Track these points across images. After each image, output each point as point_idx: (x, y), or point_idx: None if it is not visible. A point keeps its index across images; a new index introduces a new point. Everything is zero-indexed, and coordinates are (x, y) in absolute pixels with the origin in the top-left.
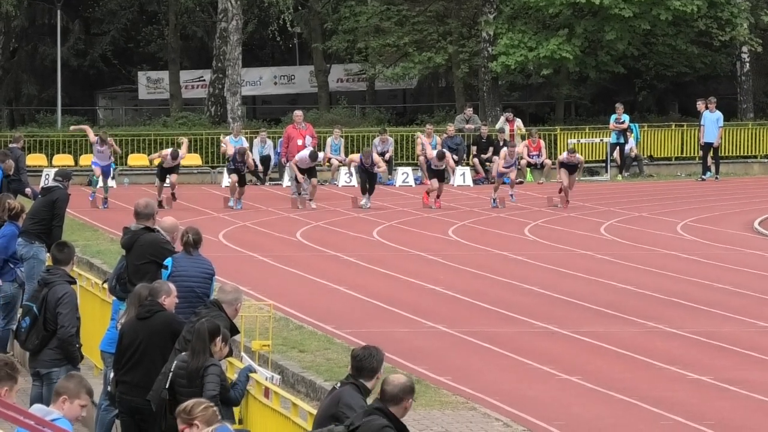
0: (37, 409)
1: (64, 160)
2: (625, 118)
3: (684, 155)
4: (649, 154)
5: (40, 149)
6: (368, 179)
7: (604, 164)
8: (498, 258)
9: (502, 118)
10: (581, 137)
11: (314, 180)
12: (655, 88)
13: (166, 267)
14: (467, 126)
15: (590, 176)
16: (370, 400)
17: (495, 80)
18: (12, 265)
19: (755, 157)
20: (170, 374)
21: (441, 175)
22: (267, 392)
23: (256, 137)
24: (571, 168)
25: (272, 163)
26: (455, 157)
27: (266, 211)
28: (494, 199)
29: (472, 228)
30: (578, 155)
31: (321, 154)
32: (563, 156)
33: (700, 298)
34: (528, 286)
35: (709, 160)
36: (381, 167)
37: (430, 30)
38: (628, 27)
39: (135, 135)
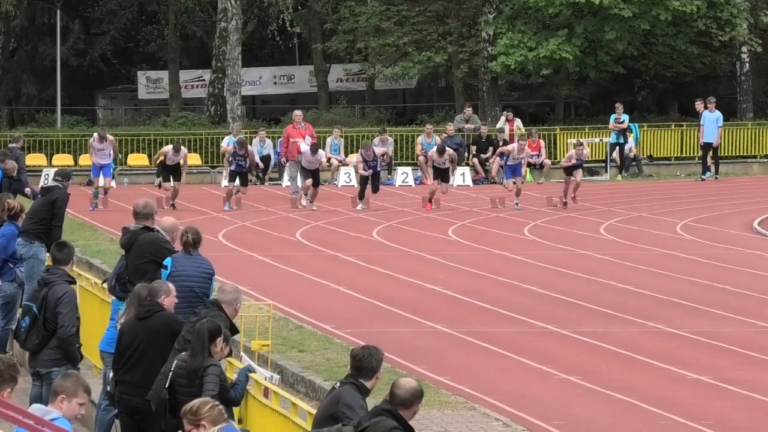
0: (36, 408)
1: (63, 159)
2: (625, 118)
3: (683, 155)
4: (648, 154)
5: (39, 149)
6: (371, 178)
7: (603, 164)
8: (497, 258)
9: (503, 118)
10: (581, 137)
11: (311, 181)
12: (654, 88)
13: (165, 267)
14: (467, 126)
15: (590, 176)
16: (369, 400)
17: (494, 80)
18: (11, 265)
19: (755, 157)
20: (170, 374)
21: (446, 174)
22: (266, 392)
23: (255, 137)
24: (579, 165)
25: (272, 162)
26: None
27: (266, 210)
28: (517, 203)
29: (472, 228)
30: (586, 150)
31: (322, 152)
32: (572, 152)
33: (700, 298)
34: (527, 286)
35: (709, 160)
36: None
37: (430, 30)
38: (628, 27)
39: (135, 135)
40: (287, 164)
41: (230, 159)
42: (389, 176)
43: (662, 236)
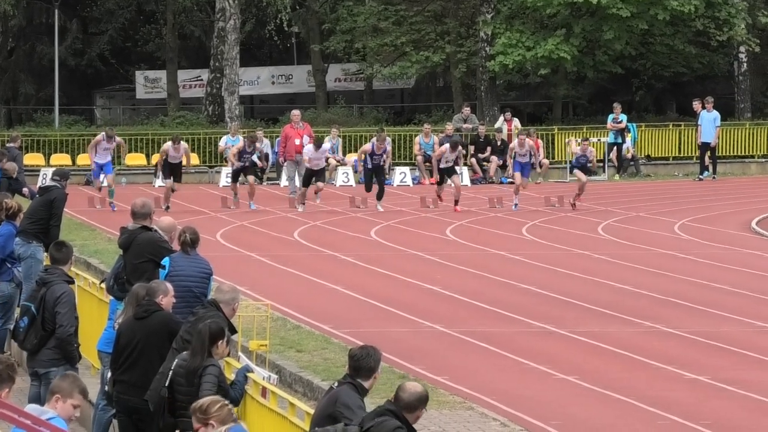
0: (32, 408)
1: (61, 159)
2: (623, 117)
3: (681, 155)
4: (646, 154)
5: (37, 149)
6: (375, 174)
7: (601, 164)
8: (496, 258)
9: (501, 118)
10: (579, 137)
11: (320, 183)
12: (652, 87)
13: (163, 266)
14: (465, 126)
15: (588, 176)
16: (367, 400)
17: (493, 80)
18: (9, 265)
19: (752, 156)
20: (170, 373)
21: (453, 173)
22: (264, 392)
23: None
24: (580, 166)
25: (270, 162)
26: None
27: (264, 210)
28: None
29: (470, 228)
30: (591, 148)
31: (326, 144)
32: (577, 150)
33: (698, 297)
34: (525, 285)
35: (707, 160)
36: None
37: (428, 30)
38: (626, 27)
39: (132, 134)
40: (285, 164)
41: (236, 154)
42: (387, 176)
43: (660, 236)
